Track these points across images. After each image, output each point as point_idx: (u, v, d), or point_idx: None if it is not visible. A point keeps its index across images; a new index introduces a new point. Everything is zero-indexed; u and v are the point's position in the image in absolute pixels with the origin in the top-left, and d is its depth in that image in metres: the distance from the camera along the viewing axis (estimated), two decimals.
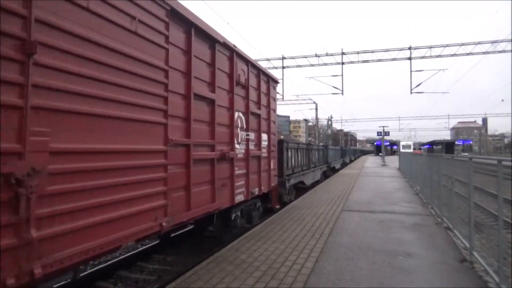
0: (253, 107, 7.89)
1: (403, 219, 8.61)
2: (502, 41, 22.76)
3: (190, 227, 8.43)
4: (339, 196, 12.70)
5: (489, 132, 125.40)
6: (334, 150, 28.87)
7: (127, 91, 3.87)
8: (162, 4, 4.48)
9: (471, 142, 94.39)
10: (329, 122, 61.49)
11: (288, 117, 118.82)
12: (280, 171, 10.77)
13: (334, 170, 25.86)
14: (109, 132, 3.61)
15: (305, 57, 26.23)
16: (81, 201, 3.23)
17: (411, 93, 25.32)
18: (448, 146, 55.78)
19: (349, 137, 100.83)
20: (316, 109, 40.57)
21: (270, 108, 9.19)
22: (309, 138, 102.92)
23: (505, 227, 4.43)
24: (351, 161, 46.22)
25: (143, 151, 4.13)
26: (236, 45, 6.93)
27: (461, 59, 24.29)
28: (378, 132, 40.43)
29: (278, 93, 11.78)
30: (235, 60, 6.87)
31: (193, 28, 5.27)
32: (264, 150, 8.56)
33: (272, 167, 9.16)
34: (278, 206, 10.03)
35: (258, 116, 8.29)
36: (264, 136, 8.68)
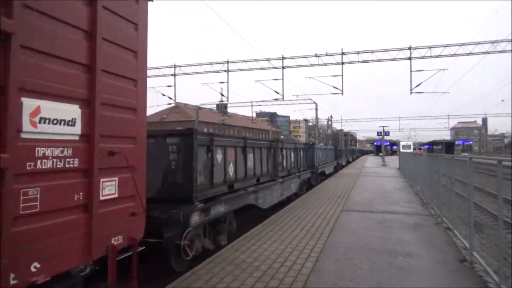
0: None
1: (403, 219, 8.61)
2: (502, 41, 22.77)
3: None
4: (339, 195, 12.69)
5: (489, 132, 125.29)
6: (325, 150, 22.91)
7: None
8: None
9: (471, 142, 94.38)
10: (329, 122, 61.56)
11: (288, 117, 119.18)
12: (184, 191, 5.70)
13: (325, 176, 21.06)
14: None
15: (305, 57, 26.24)
16: None
17: (411, 93, 25.34)
18: (448, 146, 55.76)
19: (349, 137, 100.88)
20: (316, 109, 40.55)
21: (96, 36, 3.44)
22: (310, 138, 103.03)
23: (505, 227, 4.43)
24: (348, 162, 41.02)
25: None
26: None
27: (461, 59, 24.32)
28: (378, 132, 40.48)
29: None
30: None
31: None
32: (56, 152, 3.04)
33: (114, 195, 3.70)
34: None
35: None
36: (70, 111, 3.20)
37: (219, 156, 6.79)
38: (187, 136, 5.84)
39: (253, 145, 8.63)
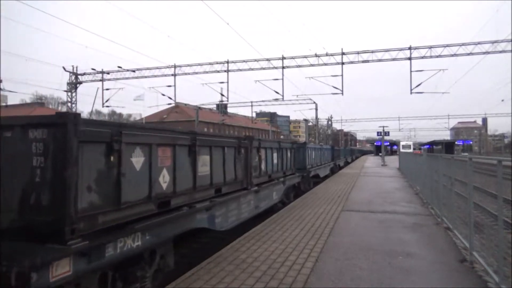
0: None
1: (403, 219, 8.61)
2: (502, 41, 22.74)
3: None
4: (339, 196, 12.70)
5: (489, 132, 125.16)
6: (320, 151, 20.30)
7: None
8: None
9: (471, 142, 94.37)
10: (329, 122, 61.55)
11: (288, 117, 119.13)
12: (51, 220, 3.42)
13: (319, 179, 18.85)
14: None
15: (305, 57, 26.22)
16: None
17: (411, 93, 25.31)
18: (448, 146, 55.86)
19: (349, 137, 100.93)
20: (316, 109, 40.58)
21: None
22: (310, 138, 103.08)
23: (505, 227, 4.43)
24: (347, 163, 39.15)
25: None
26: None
27: (461, 59, 24.27)
28: (378, 132, 40.50)
29: None
30: None
31: None
32: None
33: None
34: None
35: None
36: None
37: (137, 160, 4.33)
38: (59, 127, 3.45)
39: (209, 144, 6.19)
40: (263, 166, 9.20)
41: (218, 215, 6.39)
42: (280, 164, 10.92)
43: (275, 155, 10.42)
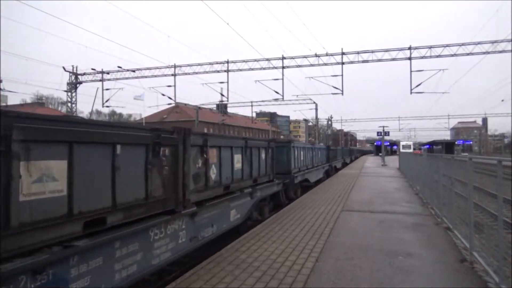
0: None
1: (403, 219, 8.61)
2: (502, 41, 22.75)
3: None
4: (339, 196, 12.70)
5: (489, 132, 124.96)
6: (311, 151, 17.27)
7: None
8: None
9: (471, 142, 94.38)
10: (329, 122, 61.52)
11: (288, 117, 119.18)
12: None
13: (311, 184, 16.29)
14: None
15: (305, 57, 26.24)
16: None
17: (411, 93, 25.32)
18: (448, 146, 55.88)
19: (349, 137, 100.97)
20: (316, 109, 40.56)
21: None
22: (310, 138, 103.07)
23: (505, 227, 4.43)
24: (345, 164, 36.13)
25: None
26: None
27: (461, 59, 24.29)
28: (378, 132, 40.51)
29: None
30: None
31: None
32: None
33: None
34: None
35: None
36: None
37: None
38: None
39: (64, 138, 3.17)
40: (213, 174, 6.40)
41: (81, 274, 3.29)
42: (248, 169, 8.12)
43: (237, 156, 7.48)
